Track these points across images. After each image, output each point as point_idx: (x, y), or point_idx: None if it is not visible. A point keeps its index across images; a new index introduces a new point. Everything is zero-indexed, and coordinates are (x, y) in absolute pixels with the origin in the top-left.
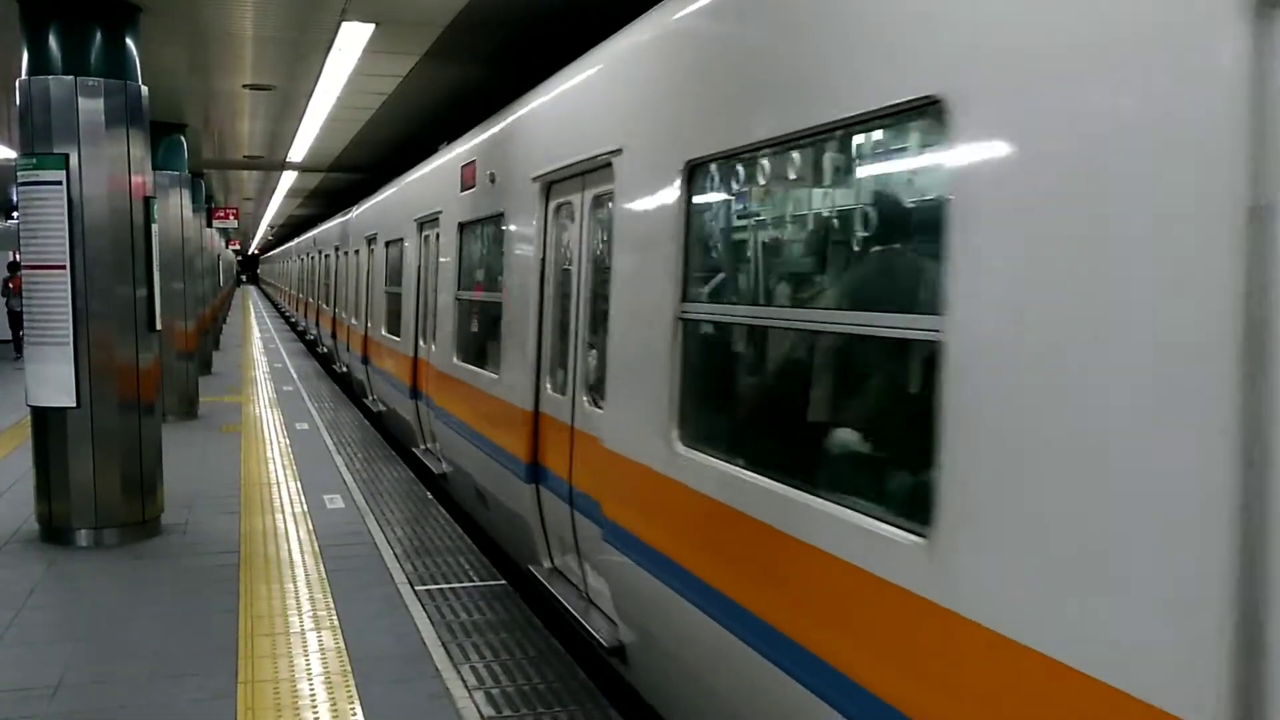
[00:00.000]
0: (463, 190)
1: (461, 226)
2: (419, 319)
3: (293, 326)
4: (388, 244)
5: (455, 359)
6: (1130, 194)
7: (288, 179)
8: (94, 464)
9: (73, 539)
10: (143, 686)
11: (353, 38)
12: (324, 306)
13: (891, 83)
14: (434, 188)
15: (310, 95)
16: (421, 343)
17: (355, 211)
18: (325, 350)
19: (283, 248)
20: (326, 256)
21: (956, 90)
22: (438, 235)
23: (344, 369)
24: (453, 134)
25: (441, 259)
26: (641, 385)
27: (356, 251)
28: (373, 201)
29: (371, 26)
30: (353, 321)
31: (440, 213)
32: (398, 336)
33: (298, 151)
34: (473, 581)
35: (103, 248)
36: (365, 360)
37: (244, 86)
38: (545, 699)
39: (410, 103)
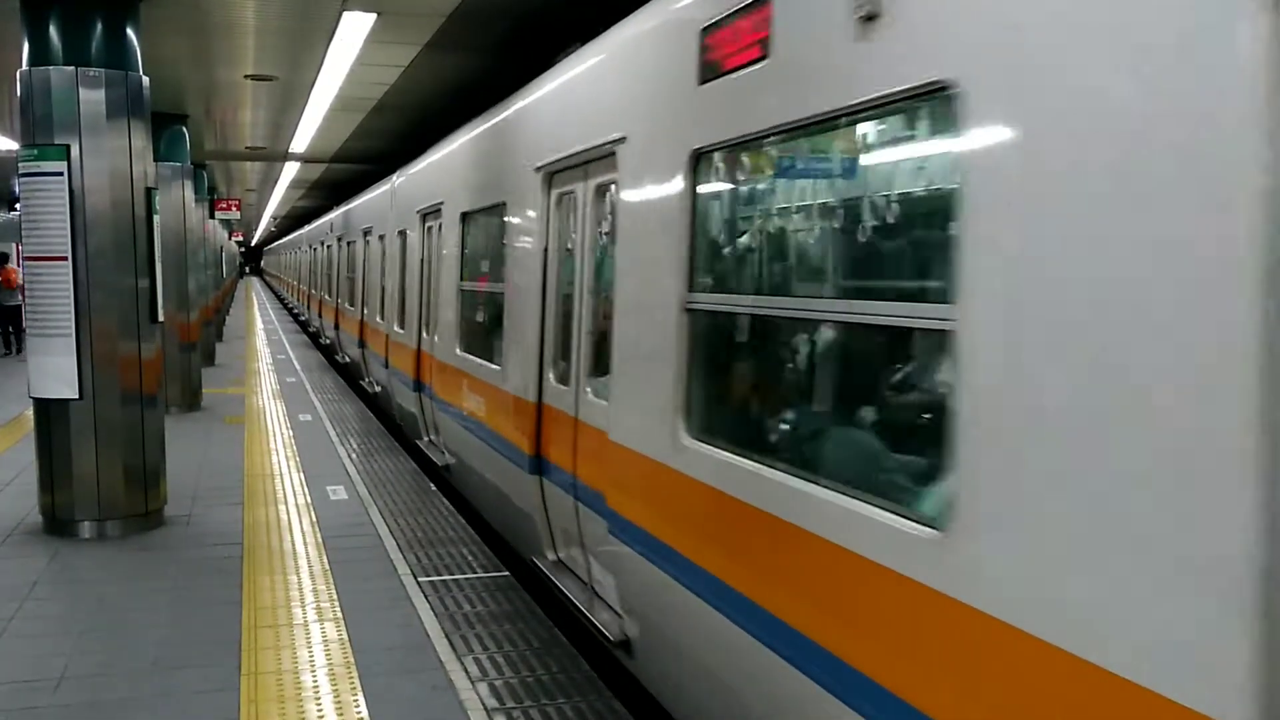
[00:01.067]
0: (707, 80)
1: (699, 158)
2: (545, 341)
3: (296, 319)
4: (466, 217)
5: (685, 435)
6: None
7: (290, 170)
8: (97, 456)
9: (76, 531)
10: (146, 678)
11: (354, 27)
12: (346, 307)
13: None
14: (594, 104)
15: (312, 85)
16: (550, 379)
17: (398, 180)
18: (346, 360)
19: (290, 236)
20: (350, 244)
21: None
22: (600, 192)
23: (376, 389)
24: (455, 126)
25: (627, 232)
26: None
27: (400, 233)
28: (431, 159)
29: (373, 16)
30: (396, 330)
31: (617, 143)
32: (492, 364)
33: (300, 142)
34: (476, 573)
35: (104, 239)
36: (420, 386)
37: (246, 77)
38: (549, 690)
39: (413, 93)
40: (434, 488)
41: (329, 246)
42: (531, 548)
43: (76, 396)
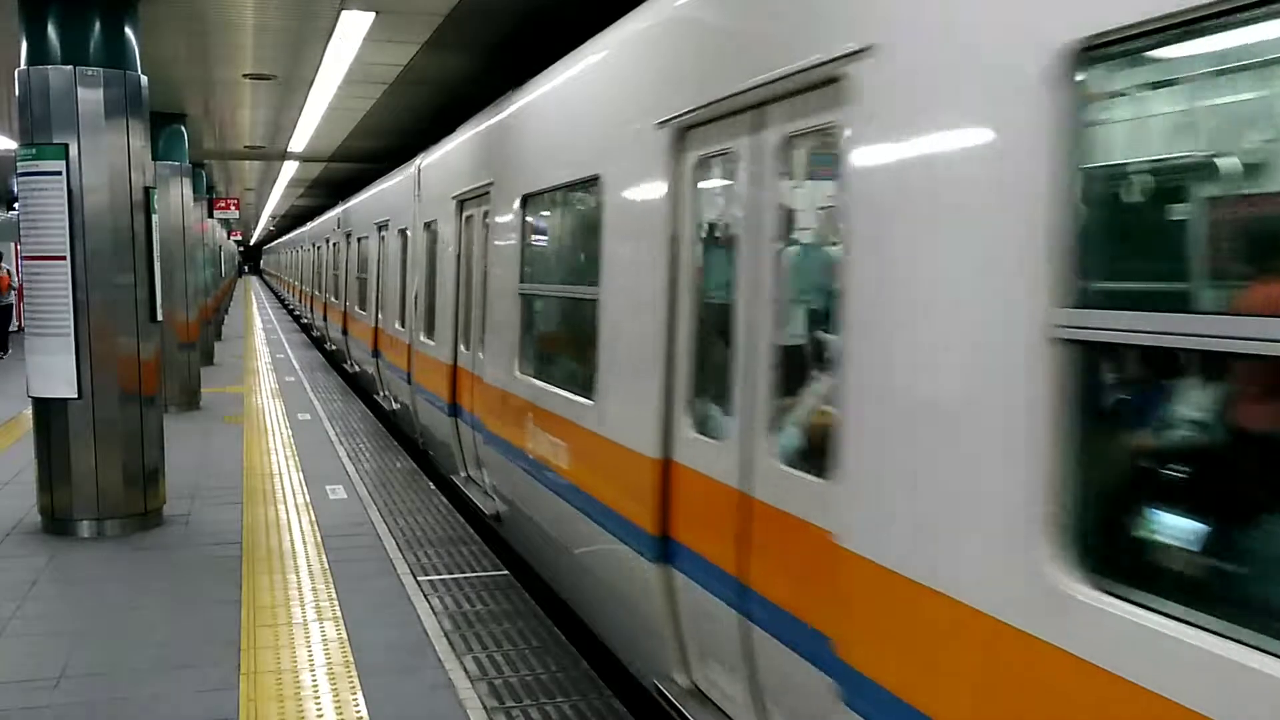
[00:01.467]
0: None
1: (1089, 58)
2: (674, 372)
3: (296, 320)
4: (530, 200)
5: (1073, 580)
6: None
7: (289, 169)
8: (96, 455)
9: (75, 530)
10: (145, 678)
11: (353, 26)
12: (357, 311)
13: None
14: (780, 7)
15: (311, 85)
16: (686, 428)
17: (424, 162)
18: (355, 370)
19: (293, 234)
20: (361, 240)
21: None
22: (791, 146)
23: (394, 405)
24: (456, 124)
25: (875, 208)
26: None
27: (428, 225)
28: (471, 133)
29: (372, 15)
30: (423, 340)
31: (850, 60)
32: (578, 395)
33: (299, 142)
34: (475, 572)
35: (103, 238)
36: (456, 411)
37: (244, 76)
38: (548, 689)
39: (411, 92)
40: (433, 486)
41: (334, 244)
42: (649, 660)
43: (75, 396)
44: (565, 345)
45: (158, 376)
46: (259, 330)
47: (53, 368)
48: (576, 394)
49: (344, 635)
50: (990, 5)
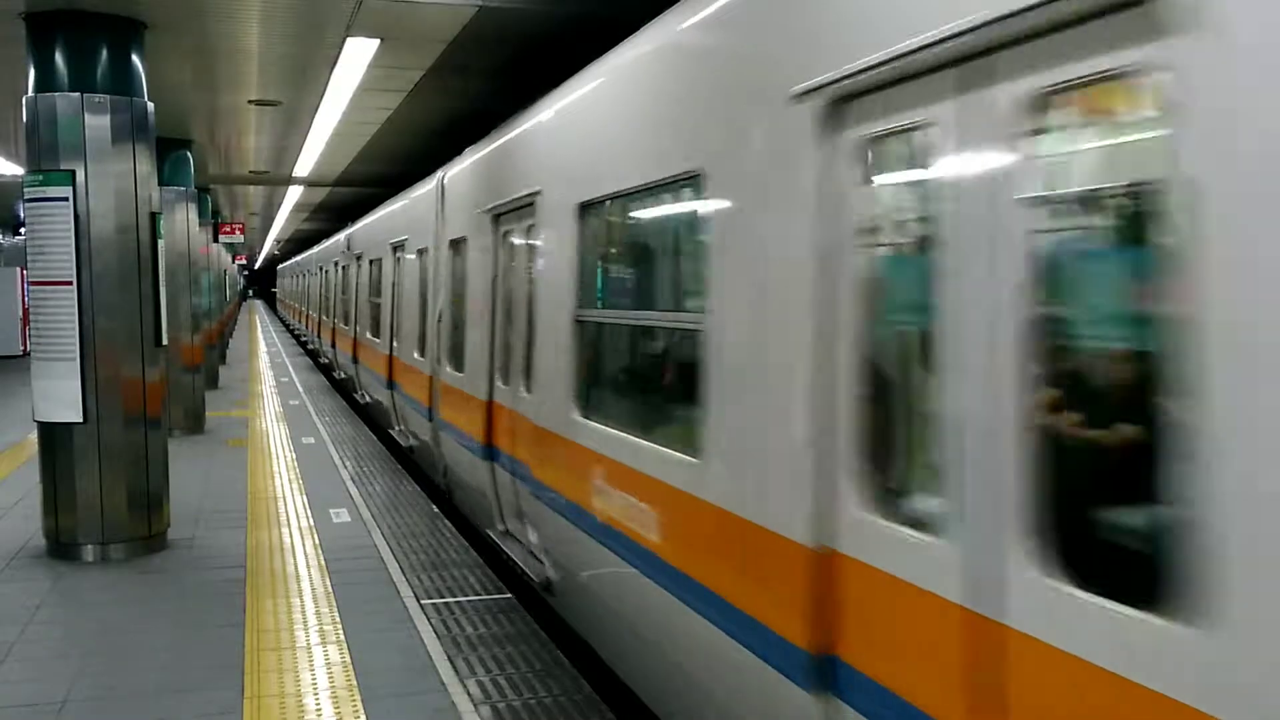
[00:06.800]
0: None
1: None
2: (836, 423)
3: (302, 343)
4: (589, 209)
5: None
6: None
7: (294, 193)
8: (101, 479)
9: (79, 554)
10: (149, 702)
11: (358, 53)
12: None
13: None
14: None
15: (316, 110)
16: (853, 505)
17: (447, 175)
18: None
19: (309, 253)
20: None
21: None
22: (1059, 104)
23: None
24: (458, 150)
25: None
26: None
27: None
28: (506, 139)
29: (376, 42)
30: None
31: None
32: (668, 448)
33: (303, 166)
34: (479, 595)
35: (109, 263)
36: (493, 454)
37: (250, 102)
38: (551, 712)
39: (415, 118)
40: (436, 509)
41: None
42: None
43: (80, 420)
44: (649, 387)
45: (162, 400)
46: (263, 354)
47: (58, 392)
48: (677, 450)
49: (347, 659)
50: None
